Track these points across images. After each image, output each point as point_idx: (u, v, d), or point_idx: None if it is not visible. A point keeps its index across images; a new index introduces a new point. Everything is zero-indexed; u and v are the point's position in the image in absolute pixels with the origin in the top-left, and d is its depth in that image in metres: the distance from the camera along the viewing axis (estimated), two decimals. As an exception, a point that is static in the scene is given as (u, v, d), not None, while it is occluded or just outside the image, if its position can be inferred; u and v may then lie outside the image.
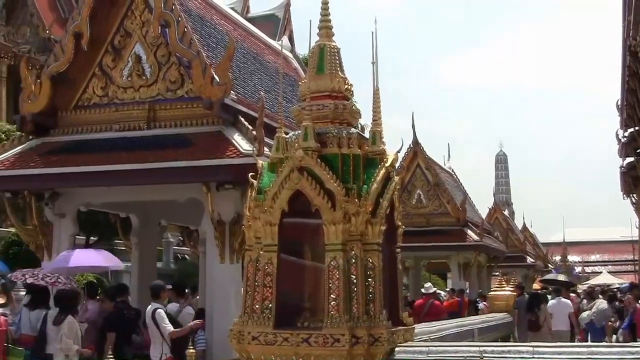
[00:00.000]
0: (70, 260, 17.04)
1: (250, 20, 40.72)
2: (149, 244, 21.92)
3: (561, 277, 32.77)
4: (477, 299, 32.09)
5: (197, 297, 20.55)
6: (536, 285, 49.38)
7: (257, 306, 7.40)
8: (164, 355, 14.66)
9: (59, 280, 16.57)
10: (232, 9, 32.20)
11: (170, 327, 14.78)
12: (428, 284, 28.34)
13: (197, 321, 16.04)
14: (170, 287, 17.87)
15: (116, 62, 18.61)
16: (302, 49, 53.93)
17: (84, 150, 17.71)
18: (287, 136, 8.02)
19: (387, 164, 7.71)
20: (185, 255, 42.10)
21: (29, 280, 16.95)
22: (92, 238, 31.39)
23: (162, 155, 16.48)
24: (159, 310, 14.88)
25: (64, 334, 14.39)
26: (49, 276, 16.77)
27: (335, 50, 8.26)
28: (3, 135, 27.49)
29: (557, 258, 74.52)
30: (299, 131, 7.79)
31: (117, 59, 18.62)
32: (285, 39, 31.10)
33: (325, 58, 8.17)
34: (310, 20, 8.78)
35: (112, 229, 26.20)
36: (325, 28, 8.34)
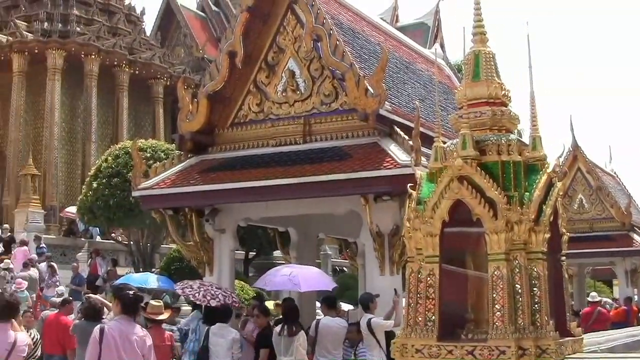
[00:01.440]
0: (301, 285, 16.90)
1: (400, 29, 40.77)
2: (308, 257, 21.99)
3: None
4: (648, 307, 30.99)
5: (355, 309, 20.51)
6: None
7: (420, 318, 7.31)
8: None
9: (228, 295, 16.75)
10: (382, 19, 32.24)
11: (388, 322, 14.73)
12: (594, 293, 27.65)
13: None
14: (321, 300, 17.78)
15: (270, 79, 18.80)
16: (454, 56, 53.69)
17: (242, 166, 17.93)
18: (445, 145, 7.92)
19: (548, 170, 7.53)
20: (344, 268, 42.28)
21: (204, 297, 17.02)
22: (251, 252, 31.87)
23: (319, 169, 16.54)
24: (374, 319, 14.88)
25: (300, 345, 14.63)
26: (216, 291, 16.91)
27: (491, 56, 8.12)
28: (163, 154, 28.11)
29: None
30: (457, 140, 7.68)
31: (271, 75, 18.81)
32: (436, 46, 30.88)
33: (480, 64, 8.04)
34: (464, 27, 8.67)
35: (270, 243, 26.53)
36: (480, 34, 8.21)
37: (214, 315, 15.73)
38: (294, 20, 18.69)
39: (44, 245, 32.84)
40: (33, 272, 26.71)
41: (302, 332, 14.77)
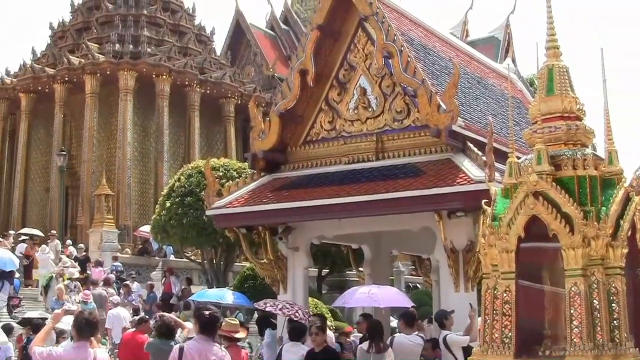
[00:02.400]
0: (381, 301, 16.98)
1: (470, 43, 40.61)
2: (381, 274, 21.95)
3: None
4: None
5: (430, 325, 20.40)
6: None
7: (496, 335, 7.28)
8: None
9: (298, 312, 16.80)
10: (452, 34, 32.19)
11: (464, 338, 14.68)
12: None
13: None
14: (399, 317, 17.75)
15: (342, 96, 18.86)
16: (525, 69, 53.35)
17: (314, 184, 17.98)
18: (520, 160, 7.89)
19: (625, 184, 7.46)
20: (417, 284, 42.10)
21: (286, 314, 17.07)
22: (324, 270, 31.88)
23: (392, 186, 16.53)
24: (449, 335, 14.84)
25: None
26: (288, 308, 16.99)
27: (565, 70, 8.08)
28: (235, 173, 28.32)
29: None
30: (532, 155, 7.65)
31: (343, 93, 18.87)
32: (509, 61, 30.71)
33: (554, 79, 8.01)
34: (537, 43, 8.63)
35: (343, 260, 26.54)
36: (553, 48, 8.18)
37: (297, 331, 15.80)
38: (365, 37, 18.73)
39: (119, 264, 33.28)
40: (102, 290, 27.05)
41: (390, 349, 14.72)
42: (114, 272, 31.13)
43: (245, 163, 26.62)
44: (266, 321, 19.62)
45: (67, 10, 53.28)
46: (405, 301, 17.65)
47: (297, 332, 15.30)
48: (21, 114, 49.17)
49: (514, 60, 51.58)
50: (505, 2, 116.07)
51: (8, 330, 19.72)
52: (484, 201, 7.92)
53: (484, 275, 7.72)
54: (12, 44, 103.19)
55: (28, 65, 49.00)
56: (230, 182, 21.34)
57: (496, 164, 15.19)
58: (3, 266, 25.46)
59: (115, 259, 33.27)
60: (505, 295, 7.34)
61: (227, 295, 22.15)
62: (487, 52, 37.72)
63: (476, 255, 14.64)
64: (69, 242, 36.67)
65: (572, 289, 7.01)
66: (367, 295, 16.79)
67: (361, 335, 17.92)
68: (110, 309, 24.95)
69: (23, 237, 35.16)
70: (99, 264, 31.72)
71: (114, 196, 42.60)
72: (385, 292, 17.28)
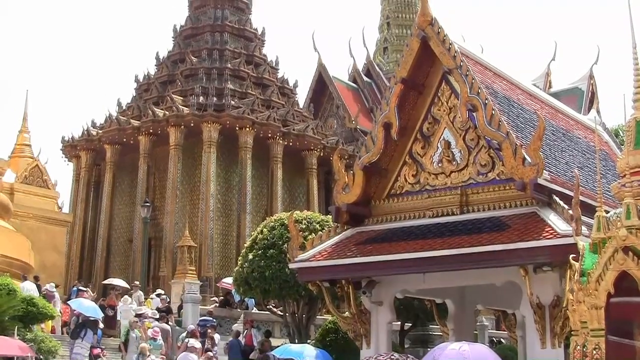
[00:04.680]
0: (472, 358, 16.81)
1: (553, 94, 40.32)
2: (466, 329, 21.68)
3: None
4: None
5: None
6: None
7: (587, 394, 7.10)
8: None
9: None
10: (535, 85, 31.96)
11: None
12: None
13: None
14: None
15: (426, 149, 18.83)
16: (610, 120, 52.74)
17: (398, 238, 17.91)
18: (608, 215, 7.74)
19: None
20: (501, 339, 41.46)
21: None
22: (407, 324, 31.56)
23: (477, 240, 16.38)
24: None
25: None
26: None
27: (653, 122, 7.94)
28: (318, 226, 28.24)
29: None
30: (620, 209, 7.51)
31: (427, 146, 18.83)
32: (595, 114, 30.32)
33: (642, 131, 7.87)
34: (624, 95, 8.51)
35: (427, 314, 26.25)
36: None
37: None
38: (449, 90, 18.71)
39: (212, 319, 33.35)
40: (167, 325, 27.27)
41: None
42: (208, 327, 31.09)
43: (328, 216, 26.56)
44: None
45: (152, 63, 54.27)
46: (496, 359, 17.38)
47: None
48: (106, 165, 49.91)
49: (598, 112, 51.01)
50: (588, 53, 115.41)
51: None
52: (571, 256, 7.80)
53: (572, 332, 7.57)
54: (98, 96, 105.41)
55: (113, 117, 49.77)
56: (313, 234, 21.33)
57: (583, 218, 14.98)
58: (86, 312, 25.72)
59: (210, 313, 33.33)
60: (595, 352, 7.18)
61: (307, 352, 21.97)
62: (570, 103, 37.37)
63: (563, 311, 14.43)
64: (160, 290, 36.88)
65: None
66: (457, 352, 16.50)
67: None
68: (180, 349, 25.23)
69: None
70: (193, 335, 31.95)
71: (197, 248, 42.77)
72: (477, 351, 16.95)
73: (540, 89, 35.95)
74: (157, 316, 30.57)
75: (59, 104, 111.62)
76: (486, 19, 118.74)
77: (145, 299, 35.23)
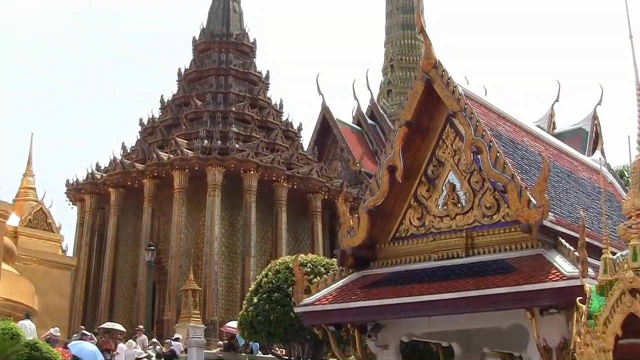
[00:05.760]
0: None
1: (557, 136, 40.33)
2: (472, 372, 21.58)
3: None
4: None
5: None
6: None
7: None
8: None
9: None
10: (538, 126, 32.01)
11: None
12: None
13: None
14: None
15: (431, 192, 18.83)
16: (614, 160, 52.66)
17: (404, 281, 17.85)
18: (614, 257, 7.70)
19: None
20: (508, 381, 41.23)
21: None
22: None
23: (483, 282, 16.32)
24: None
25: None
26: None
27: (659, 164, 7.91)
28: (323, 269, 28.17)
29: None
30: (627, 251, 7.47)
31: (432, 189, 18.83)
32: (599, 155, 30.36)
33: (648, 173, 7.84)
34: (629, 136, 8.50)
35: (433, 357, 26.09)
36: (646, 143, 8.03)
37: None
38: (453, 133, 18.74)
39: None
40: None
41: None
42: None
43: (333, 259, 26.50)
44: None
45: (157, 107, 54.32)
46: None
47: None
48: (110, 208, 49.85)
49: (602, 152, 51.05)
50: (592, 94, 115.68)
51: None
52: (578, 298, 7.73)
53: (581, 376, 7.48)
54: (103, 139, 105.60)
55: (118, 161, 49.82)
56: (318, 278, 21.29)
57: (589, 259, 14.91)
58: (86, 356, 25.62)
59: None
60: (605, 396, 7.10)
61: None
62: (574, 144, 37.40)
63: (571, 353, 14.29)
64: (178, 335, 36.74)
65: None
66: None
67: None
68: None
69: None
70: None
71: (201, 291, 42.63)
72: None
73: (544, 130, 36.05)
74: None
75: (64, 147, 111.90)
76: (489, 61, 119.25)
77: (162, 343, 35.14)
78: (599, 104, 61.83)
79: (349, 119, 63.32)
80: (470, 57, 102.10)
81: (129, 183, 48.71)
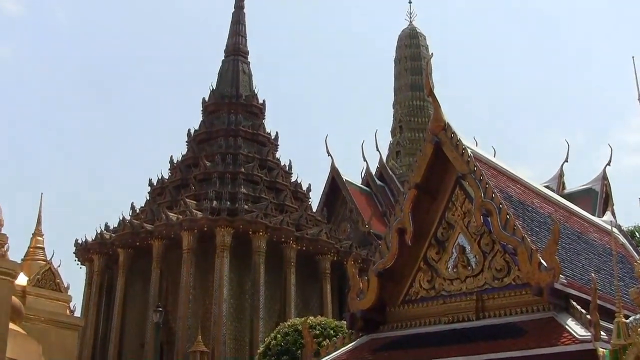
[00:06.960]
0: None
1: (567, 196, 40.22)
2: None
3: None
4: None
5: None
6: None
7: None
8: None
9: None
10: (548, 187, 31.92)
11: None
12: None
13: None
14: None
15: (440, 255, 18.76)
16: (625, 220, 52.47)
17: (414, 345, 17.73)
18: (628, 320, 7.61)
19: None
20: None
21: None
22: None
23: (494, 346, 16.19)
24: None
25: None
26: None
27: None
28: (332, 332, 28.01)
29: None
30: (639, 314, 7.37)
31: (442, 251, 18.76)
32: (610, 216, 30.22)
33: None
34: (639, 198, 8.44)
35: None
36: (659, 206, 7.97)
37: None
38: (463, 195, 18.70)
39: None
40: None
41: None
42: None
43: (343, 321, 26.38)
44: None
45: (166, 167, 54.38)
46: None
47: None
48: (118, 268, 49.67)
49: (613, 213, 50.90)
50: (601, 154, 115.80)
51: None
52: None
53: None
54: (112, 200, 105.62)
55: (127, 221, 49.79)
56: (327, 340, 21.15)
57: (602, 322, 14.78)
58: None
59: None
60: None
61: None
62: (584, 205, 37.27)
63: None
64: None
65: None
66: None
67: None
68: None
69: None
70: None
71: (209, 353, 42.34)
72: None
73: (554, 191, 35.93)
74: None
75: (73, 207, 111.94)
76: (497, 120, 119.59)
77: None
78: (609, 164, 61.83)
79: (357, 180, 63.28)
80: (478, 118, 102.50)
81: (138, 243, 48.60)
